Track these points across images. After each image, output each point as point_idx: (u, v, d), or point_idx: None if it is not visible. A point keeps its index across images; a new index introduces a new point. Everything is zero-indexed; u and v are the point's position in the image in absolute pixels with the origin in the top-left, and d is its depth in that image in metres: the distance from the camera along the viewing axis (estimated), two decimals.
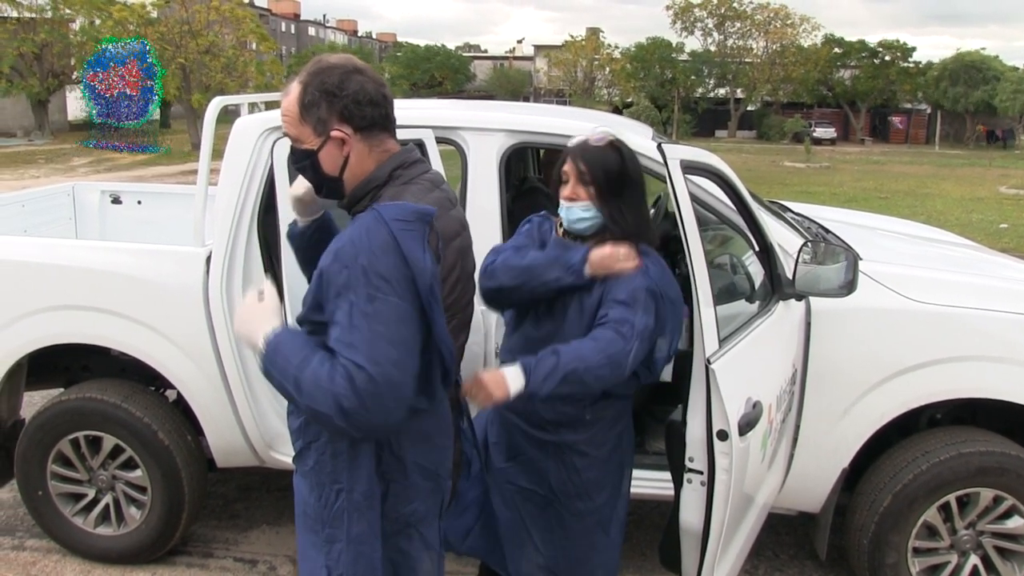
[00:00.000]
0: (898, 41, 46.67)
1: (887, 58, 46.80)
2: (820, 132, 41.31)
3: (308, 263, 1.98)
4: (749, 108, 47.87)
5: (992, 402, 2.75)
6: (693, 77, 47.40)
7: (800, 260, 2.55)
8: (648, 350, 2.11)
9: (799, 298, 2.63)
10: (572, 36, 51.20)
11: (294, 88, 1.70)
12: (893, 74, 46.17)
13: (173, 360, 3.00)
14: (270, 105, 3.66)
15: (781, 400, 2.46)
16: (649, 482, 2.82)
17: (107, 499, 3.19)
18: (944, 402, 2.77)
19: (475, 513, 2.42)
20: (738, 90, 47.26)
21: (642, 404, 3.11)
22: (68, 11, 27.71)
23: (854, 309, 2.69)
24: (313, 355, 1.56)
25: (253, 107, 3.67)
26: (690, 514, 2.19)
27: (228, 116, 3.30)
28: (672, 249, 3.12)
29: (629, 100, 45.66)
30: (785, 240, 2.76)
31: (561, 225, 2.26)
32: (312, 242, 1.97)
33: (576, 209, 2.17)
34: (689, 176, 2.15)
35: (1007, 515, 2.77)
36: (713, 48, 47.66)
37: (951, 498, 2.75)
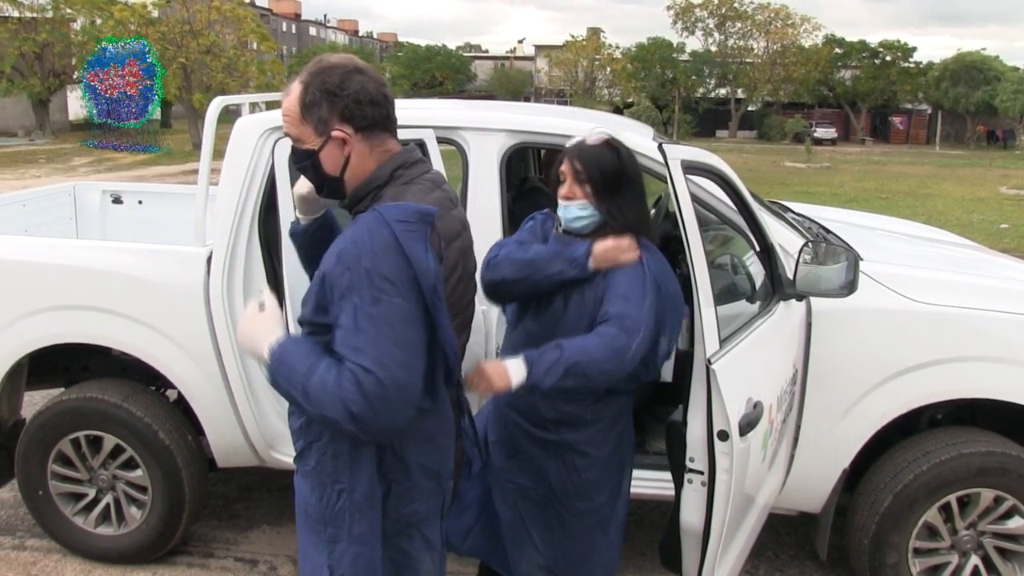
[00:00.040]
0: (899, 41, 46.75)
1: (888, 58, 46.81)
2: (821, 132, 41.31)
3: (310, 261, 1.98)
4: (750, 108, 47.88)
5: (992, 402, 2.75)
6: (694, 77, 47.41)
7: (801, 260, 2.55)
8: (651, 344, 2.11)
9: (800, 298, 2.63)
10: (573, 36, 51.38)
11: (295, 88, 1.70)
12: (894, 74, 46.17)
13: (174, 360, 3.00)
14: (271, 105, 3.66)
15: (782, 400, 2.46)
16: (649, 482, 2.81)
17: (108, 499, 3.19)
18: (945, 402, 2.77)
19: (476, 513, 2.42)
20: (739, 90, 47.25)
21: (643, 404, 3.10)
22: (69, 11, 27.72)
23: (855, 309, 2.69)
24: (319, 362, 1.56)
25: (254, 107, 3.67)
26: (691, 514, 2.19)
27: (229, 116, 3.31)
28: (673, 249, 3.12)
29: (630, 100, 45.66)
30: (786, 240, 2.76)
31: (561, 224, 2.26)
32: (315, 240, 1.97)
33: (573, 208, 2.17)
34: (690, 176, 2.15)
35: (1008, 515, 2.77)
36: (714, 48, 47.68)
37: (952, 498, 2.75)
